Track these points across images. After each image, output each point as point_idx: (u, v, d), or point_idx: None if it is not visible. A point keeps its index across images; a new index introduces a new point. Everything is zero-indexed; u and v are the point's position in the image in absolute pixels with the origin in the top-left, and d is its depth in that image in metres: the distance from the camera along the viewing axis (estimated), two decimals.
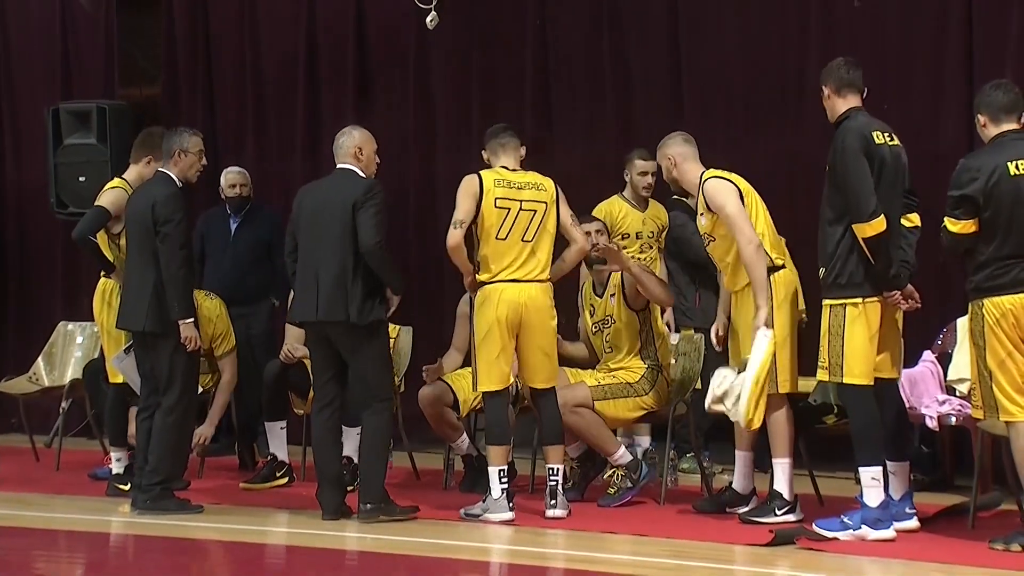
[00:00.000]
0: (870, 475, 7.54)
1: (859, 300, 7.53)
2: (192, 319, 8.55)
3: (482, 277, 8.25)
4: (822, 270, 7.62)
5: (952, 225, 7.31)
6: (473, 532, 8.11)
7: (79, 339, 11.08)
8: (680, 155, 8.31)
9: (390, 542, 7.90)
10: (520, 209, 8.22)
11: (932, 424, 8.62)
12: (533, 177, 8.35)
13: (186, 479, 8.95)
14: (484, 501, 8.27)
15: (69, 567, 7.89)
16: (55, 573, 7.80)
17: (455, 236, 8.14)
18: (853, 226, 7.48)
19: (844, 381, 7.57)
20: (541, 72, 10.98)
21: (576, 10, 10.90)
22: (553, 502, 8.24)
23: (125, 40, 12.53)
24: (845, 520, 7.57)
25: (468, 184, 8.25)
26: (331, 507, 8.31)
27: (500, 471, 8.20)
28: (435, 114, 11.30)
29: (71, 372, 10.87)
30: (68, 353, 10.99)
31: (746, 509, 8.18)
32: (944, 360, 9.00)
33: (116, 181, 9.23)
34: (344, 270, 8.19)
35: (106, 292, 9.25)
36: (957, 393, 8.85)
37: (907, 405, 8.65)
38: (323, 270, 8.24)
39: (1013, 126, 7.37)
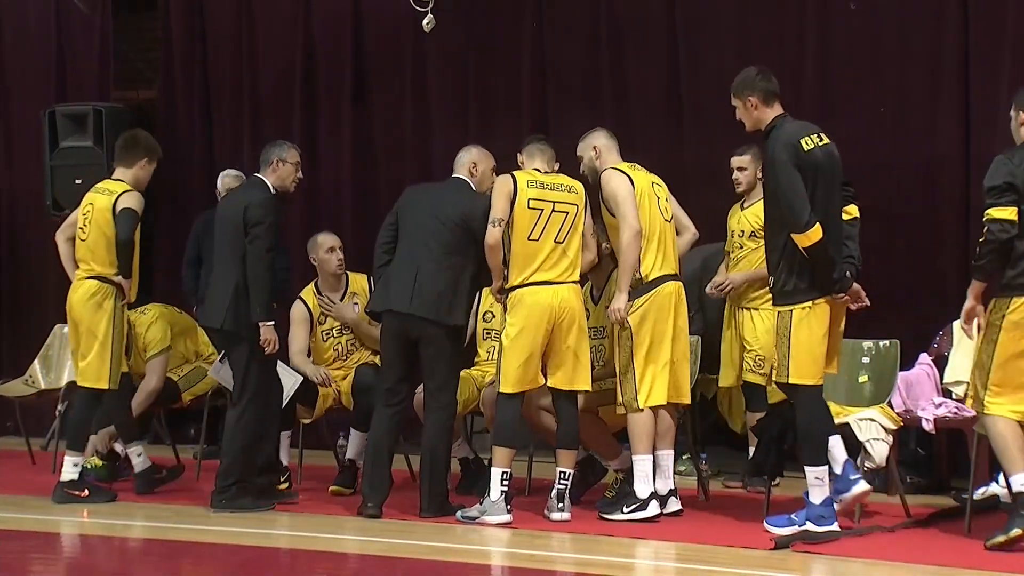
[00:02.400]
0: (814, 475, 7.68)
1: (807, 304, 7.65)
2: (272, 322, 8.67)
3: (513, 280, 8.27)
4: (770, 279, 7.77)
5: (999, 212, 7.34)
6: (471, 534, 8.12)
7: None
8: (604, 147, 8.49)
9: (387, 544, 7.91)
10: (552, 210, 8.28)
11: (928, 427, 8.64)
12: (564, 179, 8.43)
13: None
14: (482, 503, 8.28)
15: (66, 570, 7.88)
16: None
17: (495, 234, 8.19)
18: (792, 236, 7.59)
19: (789, 381, 7.70)
20: (538, 76, 10.98)
21: (574, 14, 10.90)
22: (561, 505, 8.24)
23: (121, 42, 12.54)
24: (792, 517, 7.75)
25: (503, 184, 8.30)
26: (378, 503, 8.45)
27: (503, 473, 8.21)
28: (432, 118, 11.29)
29: (67, 375, 10.83)
30: (64, 355, 10.94)
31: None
32: (940, 363, 9.02)
33: (124, 185, 9.23)
34: (453, 272, 8.37)
35: (98, 295, 9.18)
36: (953, 396, 8.87)
37: (903, 408, 8.70)
38: (425, 270, 8.38)
39: None
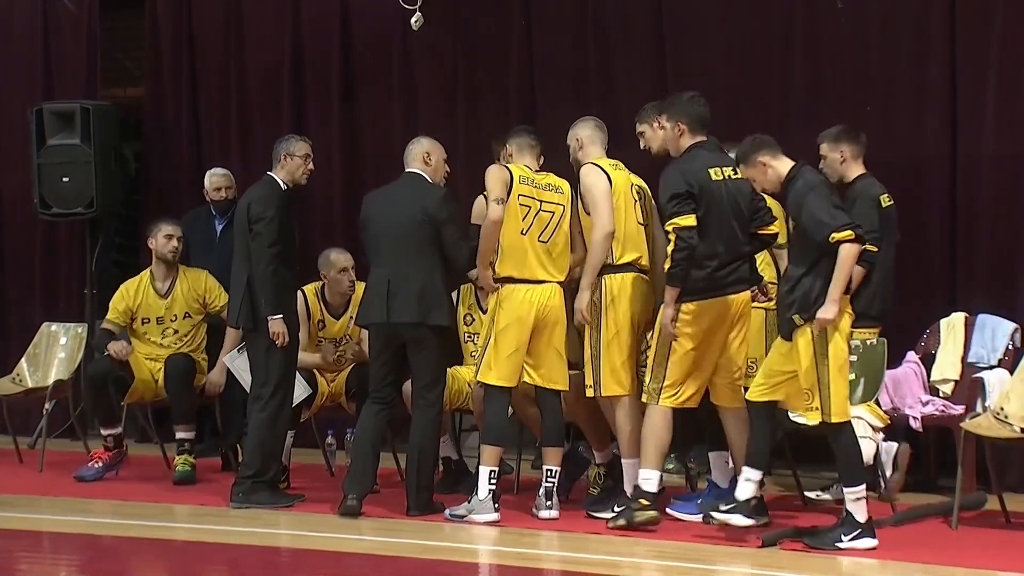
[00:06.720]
0: (723, 458, 8.19)
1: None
2: (280, 316, 8.70)
3: (506, 272, 8.27)
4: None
5: (685, 220, 7.67)
6: (459, 533, 8.12)
7: (63, 340, 11.02)
8: (588, 138, 8.51)
9: (375, 543, 7.92)
10: (540, 209, 8.30)
11: (916, 425, 8.66)
12: (552, 179, 8.44)
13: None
14: (469, 501, 8.28)
15: (53, 569, 7.88)
16: (39, 575, 7.79)
17: (498, 211, 8.17)
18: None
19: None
20: (526, 73, 10.96)
21: (561, 11, 10.89)
22: (549, 503, 8.27)
23: (109, 40, 12.51)
24: (699, 503, 8.05)
25: (499, 171, 8.31)
26: (359, 496, 8.44)
27: (491, 471, 8.21)
28: (420, 116, 11.27)
29: (55, 373, 10.82)
30: (52, 354, 10.94)
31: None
32: (927, 361, 9.05)
33: None
34: (430, 273, 8.40)
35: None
36: (940, 394, 8.89)
37: (891, 406, 8.71)
38: (397, 277, 8.40)
39: (703, 139, 7.91)
